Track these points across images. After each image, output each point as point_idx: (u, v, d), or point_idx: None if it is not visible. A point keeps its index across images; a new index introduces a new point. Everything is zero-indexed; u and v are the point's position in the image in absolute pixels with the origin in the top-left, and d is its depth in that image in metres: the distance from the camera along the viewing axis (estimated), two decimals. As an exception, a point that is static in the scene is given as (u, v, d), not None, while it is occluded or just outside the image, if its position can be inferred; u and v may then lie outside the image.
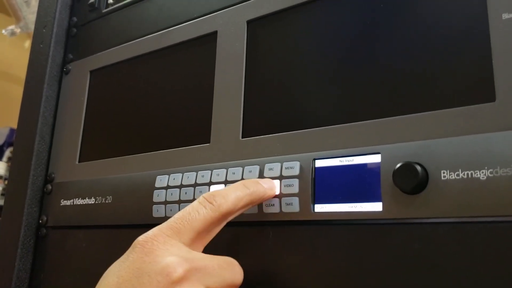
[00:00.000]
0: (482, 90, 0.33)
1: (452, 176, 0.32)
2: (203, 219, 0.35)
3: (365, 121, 0.38)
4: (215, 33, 0.49)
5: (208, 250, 0.37)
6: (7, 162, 1.53)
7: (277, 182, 0.40)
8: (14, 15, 1.44)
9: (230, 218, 0.38)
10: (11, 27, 1.45)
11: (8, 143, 1.63)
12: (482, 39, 0.34)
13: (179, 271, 0.32)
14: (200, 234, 0.36)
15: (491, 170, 0.31)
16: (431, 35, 0.36)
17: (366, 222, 0.36)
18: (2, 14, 1.76)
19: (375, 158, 0.36)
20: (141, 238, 0.35)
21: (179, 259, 0.32)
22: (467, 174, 0.32)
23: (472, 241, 0.31)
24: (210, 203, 0.36)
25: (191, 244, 0.35)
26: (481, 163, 0.31)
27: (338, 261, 0.36)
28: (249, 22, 0.47)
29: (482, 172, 0.31)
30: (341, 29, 0.41)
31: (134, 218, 0.49)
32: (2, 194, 1.37)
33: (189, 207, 0.36)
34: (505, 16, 0.33)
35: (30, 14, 1.42)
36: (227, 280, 0.35)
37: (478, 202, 0.31)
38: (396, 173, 0.34)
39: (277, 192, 0.39)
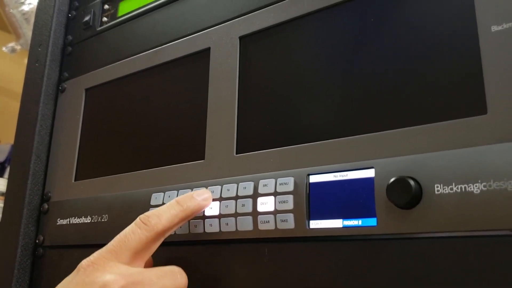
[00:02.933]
0: (473, 103, 0.33)
1: (445, 190, 0.32)
2: (138, 239, 0.38)
3: (358, 136, 0.37)
4: (208, 50, 0.49)
5: (200, 267, 0.39)
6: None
7: (271, 198, 0.40)
8: (14, 32, 1.45)
9: (167, 235, 0.40)
10: (12, 44, 1.46)
11: (9, 160, 1.63)
12: (473, 51, 0.33)
13: (115, 287, 0.35)
14: (137, 253, 0.38)
15: (484, 183, 0.31)
16: (422, 48, 0.36)
17: (361, 238, 0.35)
18: (2, 31, 1.77)
19: (369, 173, 0.36)
20: (83, 262, 0.38)
21: (116, 276, 0.36)
22: (461, 188, 0.31)
23: (467, 256, 0.31)
24: (145, 224, 0.39)
25: (130, 262, 0.38)
26: (474, 176, 0.31)
27: (334, 277, 0.36)
28: (241, 38, 0.47)
29: (476, 186, 0.31)
30: (333, 44, 0.41)
31: (130, 237, 0.48)
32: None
33: (126, 230, 0.39)
34: (494, 28, 0.33)
35: (30, 31, 1.42)
36: (168, 287, 0.38)
37: (472, 216, 0.31)
38: (390, 188, 0.34)
39: (211, 201, 0.42)
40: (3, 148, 1.69)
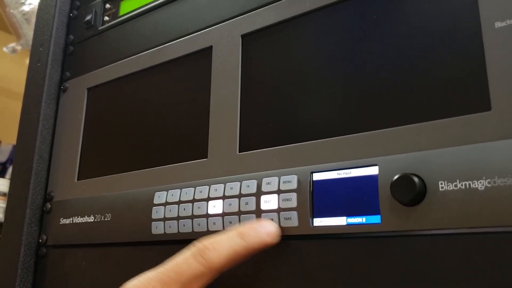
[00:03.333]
0: (477, 100, 0.33)
1: (450, 187, 0.32)
2: (192, 274, 0.35)
3: (362, 133, 0.37)
4: (210, 48, 0.49)
5: None
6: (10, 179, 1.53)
7: (275, 196, 0.39)
8: (14, 32, 1.45)
9: (221, 272, 0.36)
10: (12, 44, 1.46)
11: (11, 160, 1.63)
12: (476, 48, 0.33)
13: None
14: (186, 285, 0.35)
15: (489, 180, 0.31)
16: (425, 45, 0.36)
17: (365, 235, 0.35)
18: (3, 31, 1.77)
19: (373, 170, 0.36)
20: (130, 284, 0.35)
21: None
22: (465, 184, 0.31)
23: (472, 253, 0.31)
24: (202, 257, 0.35)
25: None
26: (479, 173, 0.31)
27: (338, 275, 0.36)
28: (243, 36, 0.47)
29: (480, 182, 0.31)
30: (336, 41, 0.41)
31: (133, 236, 0.48)
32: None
33: (180, 258, 0.36)
34: (498, 24, 0.33)
35: (30, 31, 1.42)
36: None
37: (477, 212, 0.31)
38: (394, 185, 0.33)
39: (276, 238, 0.38)
40: (4, 148, 1.69)
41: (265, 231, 0.37)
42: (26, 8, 1.40)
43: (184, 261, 0.35)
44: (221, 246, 0.36)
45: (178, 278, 0.35)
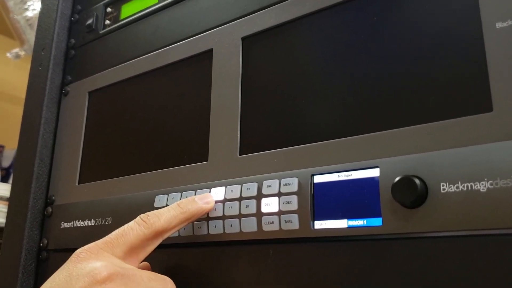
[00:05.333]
0: (479, 101, 0.32)
1: (451, 189, 0.32)
2: (136, 235, 0.39)
3: (362, 135, 0.37)
4: (210, 51, 0.49)
5: (204, 269, 0.37)
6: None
7: (275, 199, 0.39)
8: (18, 38, 1.46)
9: (165, 236, 0.40)
10: (16, 50, 1.46)
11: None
12: (477, 49, 0.33)
13: (103, 273, 0.35)
14: (133, 249, 0.39)
15: (491, 181, 0.30)
16: (426, 46, 0.36)
17: (367, 238, 0.35)
18: (6, 37, 1.78)
19: (374, 172, 0.35)
20: (78, 250, 0.38)
21: (107, 263, 0.36)
22: (467, 186, 0.31)
23: (474, 255, 0.30)
24: (144, 221, 0.39)
25: (124, 257, 0.38)
26: (480, 174, 0.31)
27: (340, 278, 0.35)
28: (244, 39, 0.47)
29: (482, 184, 0.30)
30: (336, 43, 0.41)
31: (134, 239, 0.48)
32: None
33: (125, 226, 0.40)
34: (499, 25, 0.32)
35: (34, 36, 1.43)
36: None
37: (479, 214, 0.30)
38: (395, 187, 0.33)
39: (213, 204, 0.42)
40: (8, 153, 1.70)
41: (201, 200, 0.42)
42: (29, 13, 1.41)
43: (128, 227, 0.39)
44: (161, 213, 0.40)
45: (123, 239, 0.38)
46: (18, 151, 0.62)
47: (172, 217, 0.40)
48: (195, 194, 0.44)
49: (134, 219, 0.40)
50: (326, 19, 0.42)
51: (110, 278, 0.35)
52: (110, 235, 0.39)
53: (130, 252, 0.39)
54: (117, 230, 0.39)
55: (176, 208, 0.41)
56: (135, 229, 0.39)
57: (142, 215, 0.40)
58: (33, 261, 0.57)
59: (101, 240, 0.39)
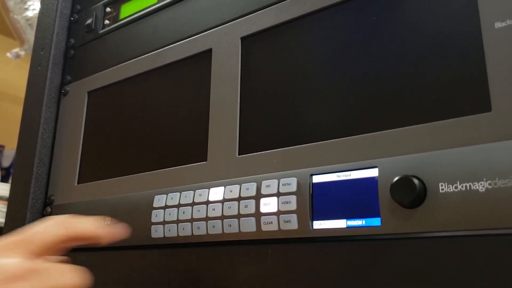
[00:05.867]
0: (477, 101, 0.32)
1: (450, 189, 0.31)
2: (54, 234, 0.38)
3: (361, 135, 0.37)
4: (209, 51, 0.49)
5: (203, 269, 0.36)
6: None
7: (274, 199, 0.39)
8: (18, 38, 1.46)
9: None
10: (16, 49, 1.46)
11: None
12: (476, 48, 0.33)
13: (13, 269, 0.35)
14: (49, 246, 0.38)
15: (489, 181, 0.30)
16: (425, 46, 0.36)
17: (365, 238, 0.35)
18: (6, 37, 1.78)
19: (373, 172, 0.35)
20: None
21: (16, 261, 0.35)
22: (466, 186, 0.31)
23: (473, 255, 0.30)
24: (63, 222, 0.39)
25: (40, 253, 0.37)
26: (479, 174, 0.31)
27: (338, 278, 0.35)
28: (243, 39, 0.47)
29: (481, 184, 0.30)
30: (335, 43, 0.41)
31: (132, 239, 0.48)
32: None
33: (43, 223, 0.39)
34: (498, 25, 0.32)
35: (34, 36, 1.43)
36: (67, 282, 0.37)
37: (478, 214, 0.30)
38: (394, 187, 0.33)
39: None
40: (8, 153, 1.70)
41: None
42: (29, 13, 1.41)
43: (45, 225, 0.38)
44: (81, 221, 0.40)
45: (40, 237, 0.38)
46: (18, 151, 0.62)
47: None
48: (194, 195, 0.44)
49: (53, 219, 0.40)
50: (326, 19, 0.42)
51: (21, 276, 0.35)
52: (26, 232, 0.39)
53: (47, 249, 0.38)
54: (34, 227, 0.39)
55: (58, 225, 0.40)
56: (53, 227, 0.38)
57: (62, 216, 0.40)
58: (32, 261, 0.56)
59: (10, 237, 0.38)
